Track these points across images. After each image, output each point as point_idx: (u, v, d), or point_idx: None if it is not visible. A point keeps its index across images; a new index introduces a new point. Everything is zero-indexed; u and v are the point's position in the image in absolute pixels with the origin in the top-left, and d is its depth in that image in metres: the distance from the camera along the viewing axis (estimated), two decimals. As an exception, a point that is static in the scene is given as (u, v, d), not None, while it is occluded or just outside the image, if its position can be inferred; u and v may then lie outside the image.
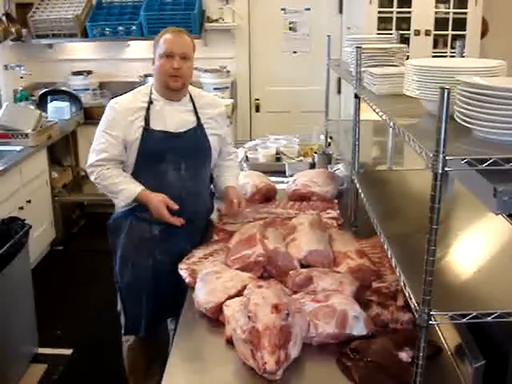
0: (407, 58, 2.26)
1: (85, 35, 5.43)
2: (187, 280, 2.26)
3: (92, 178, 2.53)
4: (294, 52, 5.78)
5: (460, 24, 4.95)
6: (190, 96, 2.60)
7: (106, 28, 5.38)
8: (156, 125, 2.48)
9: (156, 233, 2.53)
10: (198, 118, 2.58)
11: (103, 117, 2.54)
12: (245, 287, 1.96)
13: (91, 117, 5.39)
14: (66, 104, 5.19)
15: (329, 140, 3.68)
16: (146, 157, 2.48)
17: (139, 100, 2.50)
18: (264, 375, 1.65)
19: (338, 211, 2.84)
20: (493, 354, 1.62)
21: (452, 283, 1.49)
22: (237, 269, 2.20)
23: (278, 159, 3.73)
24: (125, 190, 2.47)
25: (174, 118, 2.52)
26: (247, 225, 2.54)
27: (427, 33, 4.95)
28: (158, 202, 2.43)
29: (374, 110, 1.93)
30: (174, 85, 2.47)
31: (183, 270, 2.31)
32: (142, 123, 2.46)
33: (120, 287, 2.64)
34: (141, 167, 2.50)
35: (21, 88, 5.36)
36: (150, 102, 2.50)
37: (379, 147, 3.21)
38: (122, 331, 2.69)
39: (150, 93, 2.53)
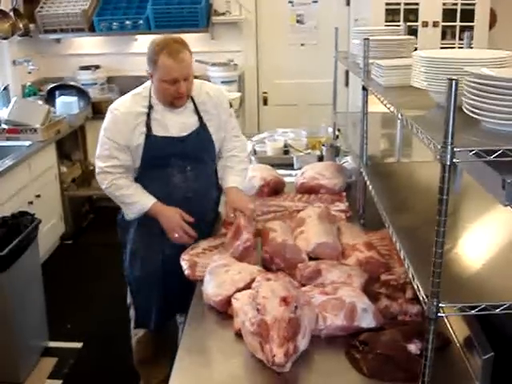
0: (415, 50, 2.24)
1: (92, 30, 5.44)
2: (186, 272, 2.27)
3: (103, 187, 2.49)
4: (302, 45, 5.76)
5: (468, 15, 4.90)
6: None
7: (113, 22, 5.38)
8: (158, 130, 2.43)
9: None
10: (200, 118, 2.52)
11: (105, 122, 2.47)
12: (253, 280, 1.97)
13: (99, 111, 5.40)
14: (74, 99, 5.20)
15: (337, 133, 3.68)
16: (150, 162, 2.45)
17: (139, 104, 2.44)
18: (273, 368, 1.66)
19: (347, 204, 2.84)
20: (502, 345, 1.61)
21: (461, 275, 1.49)
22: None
23: (286, 152, 3.73)
24: (137, 202, 2.46)
25: (175, 123, 2.47)
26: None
27: (435, 24, 4.91)
28: (174, 213, 2.43)
29: (382, 102, 1.92)
30: (179, 104, 2.44)
31: (184, 261, 2.32)
32: (144, 129, 2.41)
33: (130, 281, 2.65)
34: (146, 171, 2.48)
35: (29, 83, 5.39)
36: (150, 107, 2.44)
37: (387, 139, 3.20)
38: (132, 325, 2.70)
39: (150, 96, 2.46)
